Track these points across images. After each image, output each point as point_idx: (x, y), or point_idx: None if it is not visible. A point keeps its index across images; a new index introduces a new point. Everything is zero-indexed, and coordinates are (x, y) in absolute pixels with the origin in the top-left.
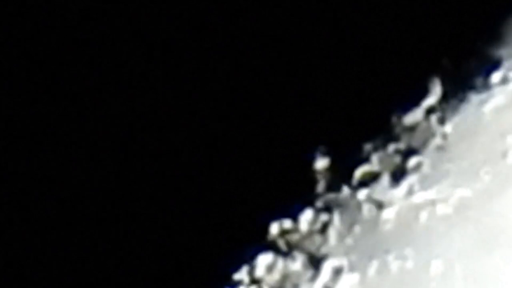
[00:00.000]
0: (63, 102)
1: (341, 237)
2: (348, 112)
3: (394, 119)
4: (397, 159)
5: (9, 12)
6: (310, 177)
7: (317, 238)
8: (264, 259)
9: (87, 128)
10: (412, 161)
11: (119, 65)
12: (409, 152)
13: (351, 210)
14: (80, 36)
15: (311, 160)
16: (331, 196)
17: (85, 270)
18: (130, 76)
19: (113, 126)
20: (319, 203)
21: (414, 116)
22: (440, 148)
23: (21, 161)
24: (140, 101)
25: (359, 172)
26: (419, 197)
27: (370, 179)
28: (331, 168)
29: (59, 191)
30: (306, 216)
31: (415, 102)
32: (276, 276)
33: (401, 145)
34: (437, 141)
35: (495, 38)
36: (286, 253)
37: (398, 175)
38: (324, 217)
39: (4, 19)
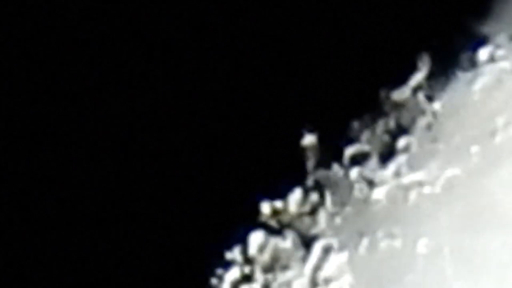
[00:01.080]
0: (63, 102)
1: (331, 216)
2: (336, 90)
3: (382, 96)
4: (386, 138)
5: (9, 12)
6: (300, 156)
7: (308, 218)
8: (255, 239)
9: (87, 128)
10: (401, 140)
11: (119, 65)
12: (398, 130)
13: (341, 189)
14: (80, 36)
15: (300, 139)
16: (321, 175)
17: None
18: (130, 76)
19: (113, 126)
20: (309, 183)
21: (402, 94)
22: (428, 127)
23: (21, 161)
24: (140, 101)
25: (348, 152)
26: (407, 176)
27: (359, 158)
28: (320, 147)
29: (59, 191)
30: (297, 196)
31: (403, 79)
32: (267, 255)
33: (390, 123)
34: (425, 119)
35: (483, 15)
36: (277, 233)
37: (386, 154)
38: (314, 196)
39: (4, 19)
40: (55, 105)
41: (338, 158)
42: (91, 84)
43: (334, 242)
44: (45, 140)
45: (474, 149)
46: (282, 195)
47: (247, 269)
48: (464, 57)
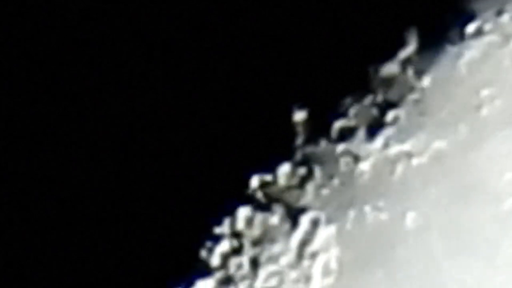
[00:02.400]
0: (63, 102)
1: (318, 189)
2: (324, 65)
3: (370, 71)
4: (374, 111)
5: (9, 12)
6: (288, 130)
7: (296, 191)
8: (243, 212)
9: (87, 128)
10: (389, 114)
11: (119, 65)
12: (386, 104)
13: (329, 163)
14: (80, 36)
15: (289, 113)
16: (309, 149)
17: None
18: (130, 76)
19: (113, 126)
20: (297, 156)
21: (390, 68)
22: (416, 101)
23: (21, 161)
24: (140, 101)
25: (336, 126)
26: (395, 149)
27: (347, 132)
28: (308, 122)
29: (59, 191)
30: (285, 169)
31: (391, 54)
32: (255, 229)
33: (378, 98)
34: (414, 93)
35: None
36: (265, 206)
37: (374, 128)
38: (302, 170)
39: (4, 19)
40: (55, 105)
41: (326, 132)
42: (91, 84)
43: (322, 215)
44: (45, 140)
45: (461, 122)
46: (271, 169)
47: (235, 242)
48: (452, 31)
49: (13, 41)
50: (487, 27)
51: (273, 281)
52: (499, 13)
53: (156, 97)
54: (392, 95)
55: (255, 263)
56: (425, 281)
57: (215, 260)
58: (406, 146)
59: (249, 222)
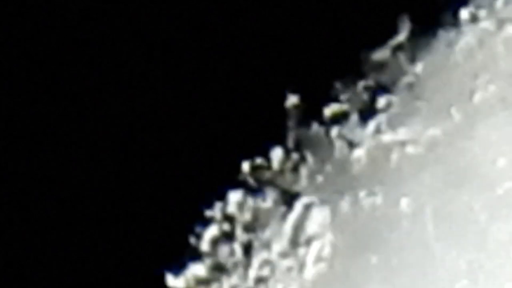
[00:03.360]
0: (63, 102)
1: (312, 174)
2: (317, 50)
3: (363, 56)
4: (366, 97)
5: (9, 12)
6: (281, 114)
7: (289, 176)
8: (235, 197)
9: (87, 128)
10: (382, 100)
11: (119, 65)
12: (379, 90)
13: (322, 148)
14: (80, 36)
15: (282, 98)
16: (302, 133)
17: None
18: (130, 76)
19: (113, 126)
20: (290, 141)
21: (383, 54)
22: (410, 87)
23: (21, 161)
24: (132, 86)
25: (329, 111)
26: (389, 135)
27: (340, 118)
28: (301, 106)
29: (59, 191)
30: (277, 154)
31: (383, 39)
32: (247, 213)
33: (371, 83)
34: (407, 79)
35: None
36: (258, 191)
37: (367, 113)
38: (295, 155)
39: (4, 19)
40: (55, 105)
41: (319, 117)
42: (91, 84)
43: (315, 200)
44: (45, 140)
45: (455, 109)
46: (264, 153)
47: (226, 227)
48: (446, 17)
49: (13, 41)
50: (481, 13)
51: (266, 269)
52: None
53: (148, 82)
54: (385, 80)
55: (247, 250)
56: (418, 266)
57: (205, 245)
58: (400, 132)
59: (241, 206)
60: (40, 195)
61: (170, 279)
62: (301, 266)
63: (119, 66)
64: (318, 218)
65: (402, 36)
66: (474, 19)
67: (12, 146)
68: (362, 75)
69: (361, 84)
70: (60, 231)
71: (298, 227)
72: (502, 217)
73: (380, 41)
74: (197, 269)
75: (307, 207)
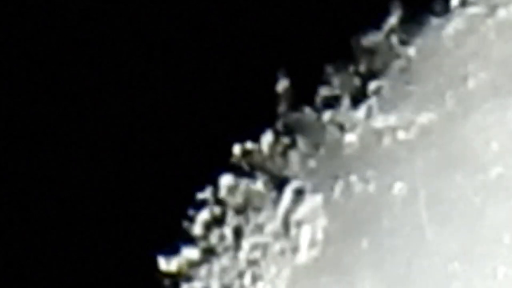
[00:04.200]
0: (63, 102)
1: (303, 159)
2: (308, 33)
3: (355, 41)
4: (358, 81)
5: (9, 12)
6: (272, 98)
7: (279, 160)
8: (226, 180)
9: (87, 128)
10: (373, 84)
11: (119, 65)
12: (370, 74)
13: (313, 132)
14: (80, 36)
15: (273, 82)
16: (293, 117)
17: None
18: (123, 61)
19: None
20: (281, 125)
21: (375, 38)
22: (401, 71)
23: (21, 161)
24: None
25: (320, 95)
26: (381, 120)
27: (331, 101)
28: (292, 90)
29: (59, 191)
30: (268, 138)
31: (375, 23)
32: (239, 197)
33: (362, 68)
34: (398, 64)
35: None
36: (249, 175)
37: (359, 97)
38: (286, 139)
39: (4, 19)
40: (55, 105)
41: (310, 101)
42: (91, 84)
43: (307, 185)
44: (45, 140)
45: (447, 94)
46: (254, 137)
47: (218, 211)
48: (437, 1)
49: (13, 41)
50: None
51: (257, 253)
52: None
53: (140, 69)
54: (377, 65)
55: (238, 233)
56: (411, 249)
57: (198, 229)
58: (392, 117)
59: (232, 190)
60: (32, 180)
61: (162, 262)
62: (293, 249)
63: (119, 66)
64: (310, 202)
65: (393, 20)
66: (464, 4)
67: (12, 146)
68: (353, 60)
69: (352, 68)
70: (51, 215)
71: (290, 211)
72: (495, 201)
73: (372, 26)
74: (189, 253)
75: (299, 192)
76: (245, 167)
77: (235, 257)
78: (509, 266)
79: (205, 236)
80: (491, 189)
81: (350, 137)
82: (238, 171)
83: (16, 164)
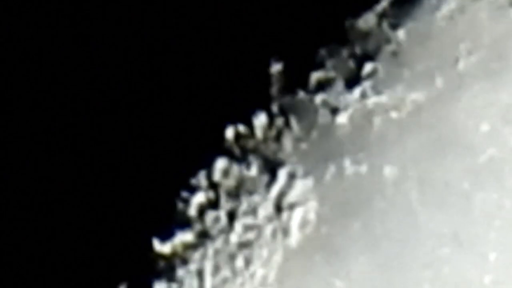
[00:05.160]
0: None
1: (296, 142)
2: (302, 17)
3: (348, 23)
4: (351, 64)
5: (9, 12)
6: (266, 81)
7: (273, 143)
8: (220, 164)
9: (80, 111)
10: (366, 66)
11: (111, 49)
12: (363, 57)
13: (306, 115)
14: (80, 35)
15: (266, 65)
16: (287, 100)
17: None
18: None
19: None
20: (274, 108)
21: (367, 21)
22: (393, 54)
23: (21, 161)
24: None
25: (313, 77)
26: (373, 102)
27: (324, 84)
28: (285, 73)
29: (54, 174)
30: (261, 121)
31: (367, 6)
32: (232, 181)
33: (355, 50)
34: (391, 46)
35: None
36: (242, 159)
37: (352, 80)
38: (279, 122)
39: (4, 19)
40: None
41: (304, 84)
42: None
43: (300, 168)
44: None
45: (438, 76)
46: (247, 120)
47: (212, 194)
48: None
49: (13, 41)
50: None
51: (250, 235)
52: None
53: (132, 54)
54: (369, 47)
55: (231, 216)
56: (402, 232)
57: (192, 212)
58: (384, 99)
59: (226, 173)
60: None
61: (156, 244)
62: (285, 232)
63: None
64: (302, 185)
65: (385, 3)
66: None
67: (12, 146)
68: (347, 42)
69: (346, 50)
70: (45, 196)
71: (282, 194)
72: (485, 184)
73: (364, 8)
74: (184, 235)
75: (292, 175)
76: (239, 151)
77: (228, 240)
78: (499, 250)
79: (199, 219)
80: (482, 172)
81: (342, 120)
82: (231, 155)
83: (16, 164)
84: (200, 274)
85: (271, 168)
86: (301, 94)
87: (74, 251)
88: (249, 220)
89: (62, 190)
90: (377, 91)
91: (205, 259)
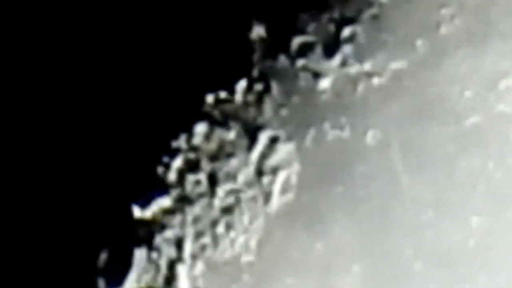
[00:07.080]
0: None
1: (277, 106)
2: None
3: None
4: (332, 28)
5: (9, 12)
6: (246, 46)
7: (253, 108)
8: (200, 128)
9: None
10: (347, 31)
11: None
12: (344, 21)
13: (287, 79)
14: (80, 36)
15: (246, 29)
16: (267, 65)
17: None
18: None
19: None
20: (255, 73)
21: None
22: (375, 17)
23: (21, 161)
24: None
25: (294, 42)
26: (354, 67)
27: (305, 49)
28: (266, 38)
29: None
30: (242, 86)
31: None
32: (212, 144)
33: (336, 14)
34: (372, 10)
35: None
36: (222, 123)
37: (332, 45)
38: (259, 86)
39: (4, 19)
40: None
41: (284, 48)
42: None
43: (281, 132)
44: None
45: (420, 41)
46: (228, 85)
47: (192, 157)
48: None
49: (13, 41)
50: None
51: (231, 199)
52: None
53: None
54: (350, 11)
55: (212, 180)
56: (385, 197)
57: (172, 176)
58: (366, 64)
59: (206, 137)
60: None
61: (136, 211)
62: (267, 196)
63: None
64: (284, 150)
65: None
66: None
67: (12, 146)
68: (327, 6)
69: (326, 15)
70: (27, 172)
71: (263, 158)
72: (469, 150)
73: None
74: (164, 201)
75: (273, 139)
76: (219, 115)
77: (209, 205)
78: (482, 215)
79: (179, 183)
80: (465, 138)
81: (323, 84)
82: (212, 119)
83: (16, 164)
84: (179, 241)
85: (252, 132)
86: (283, 59)
87: (52, 219)
88: (229, 185)
89: (39, 157)
90: (359, 56)
91: (186, 225)
